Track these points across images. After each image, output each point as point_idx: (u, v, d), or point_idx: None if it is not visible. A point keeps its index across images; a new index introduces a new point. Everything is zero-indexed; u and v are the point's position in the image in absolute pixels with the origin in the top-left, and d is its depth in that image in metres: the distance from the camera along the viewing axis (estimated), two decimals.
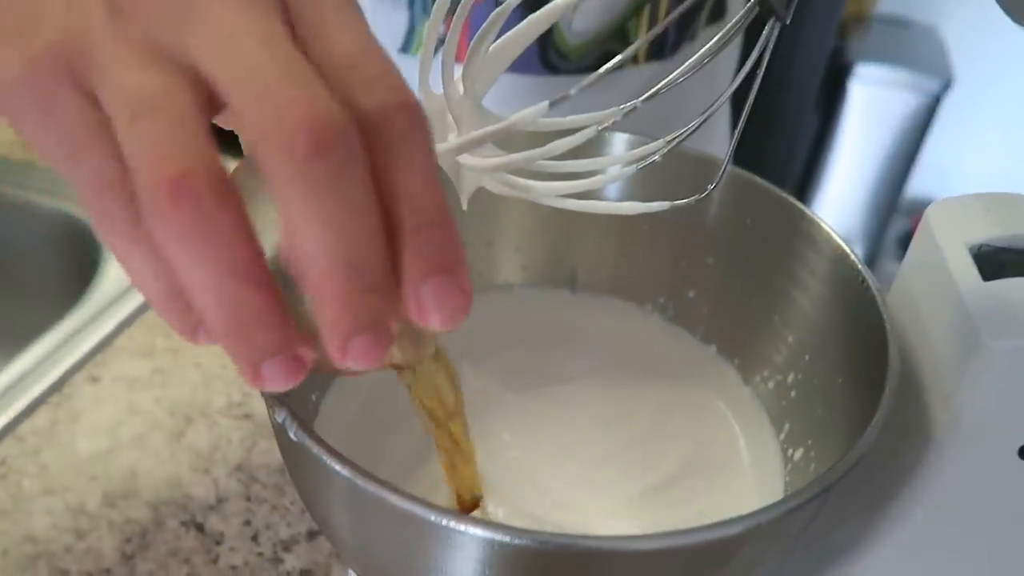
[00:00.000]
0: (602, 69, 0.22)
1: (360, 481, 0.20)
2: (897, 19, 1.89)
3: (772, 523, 0.21)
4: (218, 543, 0.40)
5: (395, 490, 0.20)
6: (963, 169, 1.92)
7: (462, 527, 0.19)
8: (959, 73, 1.73)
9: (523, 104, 0.23)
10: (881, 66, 1.73)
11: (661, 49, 0.50)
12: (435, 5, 0.24)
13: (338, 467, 0.20)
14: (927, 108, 1.75)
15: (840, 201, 1.87)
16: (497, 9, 0.23)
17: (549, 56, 0.49)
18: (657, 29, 0.24)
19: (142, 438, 0.45)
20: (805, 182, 1.87)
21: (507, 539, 0.19)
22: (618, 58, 0.22)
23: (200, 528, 0.41)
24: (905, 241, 1.93)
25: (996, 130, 1.83)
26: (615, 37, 0.48)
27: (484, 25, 0.25)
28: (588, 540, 0.20)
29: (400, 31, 0.52)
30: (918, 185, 1.91)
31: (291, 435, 0.21)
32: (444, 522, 0.19)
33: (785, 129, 1.74)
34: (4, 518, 0.40)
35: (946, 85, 1.71)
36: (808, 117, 1.77)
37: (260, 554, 0.40)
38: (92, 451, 0.44)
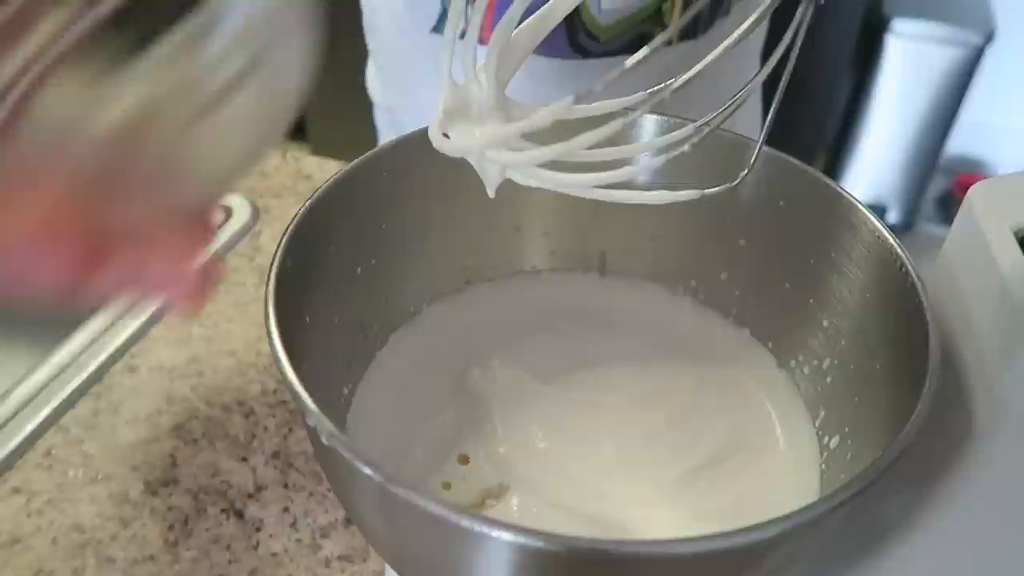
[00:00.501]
0: (629, 62, 0.22)
1: (390, 486, 0.20)
2: None
3: (809, 523, 0.20)
4: (258, 529, 0.41)
5: (425, 495, 0.20)
6: (1006, 127, 1.85)
7: (491, 531, 0.19)
8: (1002, 25, 1.66)
9: (553, 88, 0.22)
10: (919, 20, 1.67)
11: (695, 28, 0.48)
12: None
13: (368, 471, 0.20)
14: (968, 62, 1.69)
15: (877, 161, 1.82)
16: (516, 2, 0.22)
17: (579, 38, 0.47)
18: (689, 14, 0.23)
19: (180, 427, 0.46)
20: (840, 142, 1.83)
21: (537, 543, 0.19)
22: (645, 49, 0.22)
23: (240, 515, 0.42)
24: (944, 202, 1.88)
25: None
26: (649, 18, 0.46)
27: (508, 10, 0.24)
28: (621, 545, 0.19)
29: (433, 11, 0.51)
30: (958, 144, 1.85)
31: (323, 440, 0.22)
32: (473, 526, 0.19)
33: (819, 88, 1.69)
34: (52, 507, 0.42)
35: (988, 38, 1.65)
36: (843, 75, 1.72)
37: (299, 540, 0.41)
38: (133, 440, 0.45)
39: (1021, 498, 0.25)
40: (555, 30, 0.29)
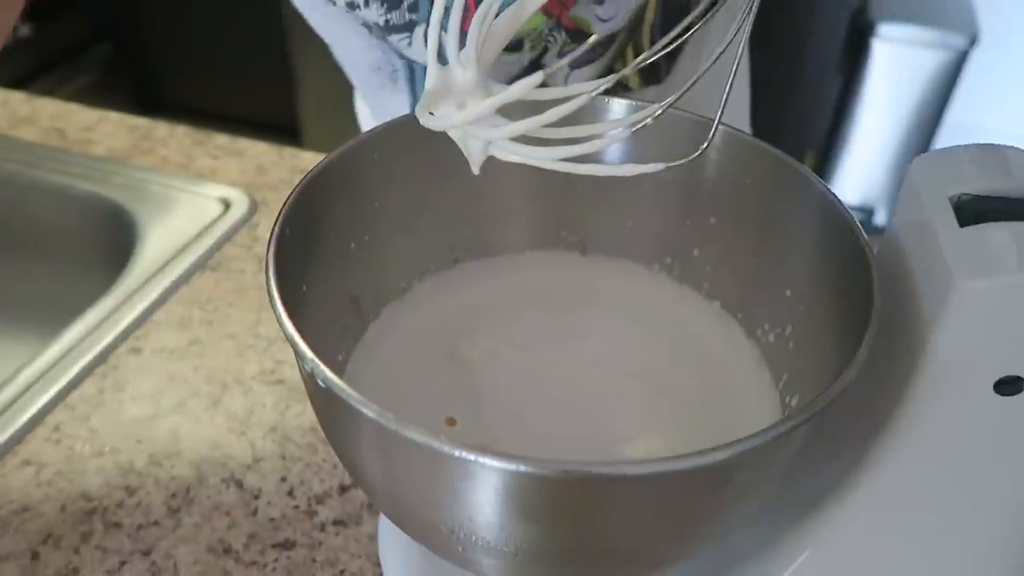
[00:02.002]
0: (591, 39, 0.24)
1: (384, 420, 0.22)
2: None
3: (762, 448, 0.23)
4: (256, 497, 0.43)
5: (418, 427, 0.22)
6: (990, 128, 1.89)
7: (478, 458, 0.22)
8: (985, 29, 1.70)
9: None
10: (905, 24, 1.70)
11: (656, 74, 0.50)
12: None
13: (363, 408, 0.23)
14: (952, 66, 1.72)
15: (865, 161, 1.85)
16: None
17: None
18: (636, 63, 0.25)
19: (182, 404, 0.48)
20: (828, 144, 1.86)
21: (516, 467, 0.21)
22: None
23: (240, 484, 0.44)
24: None
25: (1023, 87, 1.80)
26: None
27: (483, 4, 0.27)
28: (591, 465, 0.22)
29: (403, 110, 0.53)
30: (944, 145, 1.87)
31: (319, 382, 0.24)
32: (461, 454, 0.22)
33: (807, 89, 1.72)
34: (61, 478, 0.44)
35: (972, 41, 1.68)
36: (831, 77, 1.75)
37: (296, 507, 0.43)
38: (137, 416, 0.47)
39: (957, 432, 0.27)
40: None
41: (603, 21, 0.46)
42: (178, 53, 1.98)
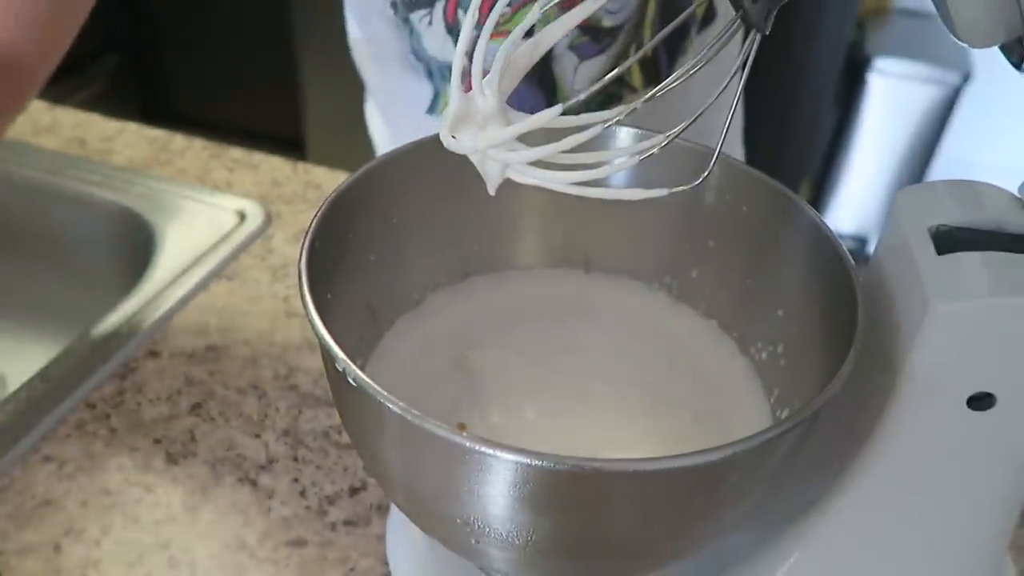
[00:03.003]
0: (611, 75, 0.27)
1: (409, 416, 0.24)
2: (915, 12, 1.90)
3: (753, 450, 0.25)
4: (270, 497, 0.45)
5: (440, 424, 0.24)
6: (983, 163, 1.92)
7: (495, 452, 0.24)
8: (978, 66, 1.74)
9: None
10: (900, 59, 1.74)
11: (658, 75, 0.54)
12: (465, 21, 0.29)
13: (390, 404, 0.25)
14: (946, 101, 1.77)
15: (860, 193, 1.89)
16: (517, 28, 0.27)
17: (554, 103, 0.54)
18: (655, 91, 0.28)
19: (199, 406, 0.50)
20: (825, 175, 1.89)
21: (529, 461, 0.24)
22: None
23: (254, 484, 0.46)
24: None
25: (1016, 123, 1.84)
26: (614, 83, 0.54)
27: (511, 35, 0.29)
28: (598, 462, 0.24)
29: (426, 97, 0.57)
30: (937, 178, 1.92)
31: (350, 380, 0.26)
32: (479, 447, 0.24)
33: (804, 122, 1.76)
34: (81, 474, 0.46)
35: (965, 78, 1.72)
36: (828, 110, 1.79)
37: (308, 507, 0.45)
38: (155, 417, 0.49)
39: (933, 445, 0.29)
40: (536, 97, 0.32)
41: (611, 13, 0.49)
42: (186, 64, 2.01)
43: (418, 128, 0.60)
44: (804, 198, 0.35)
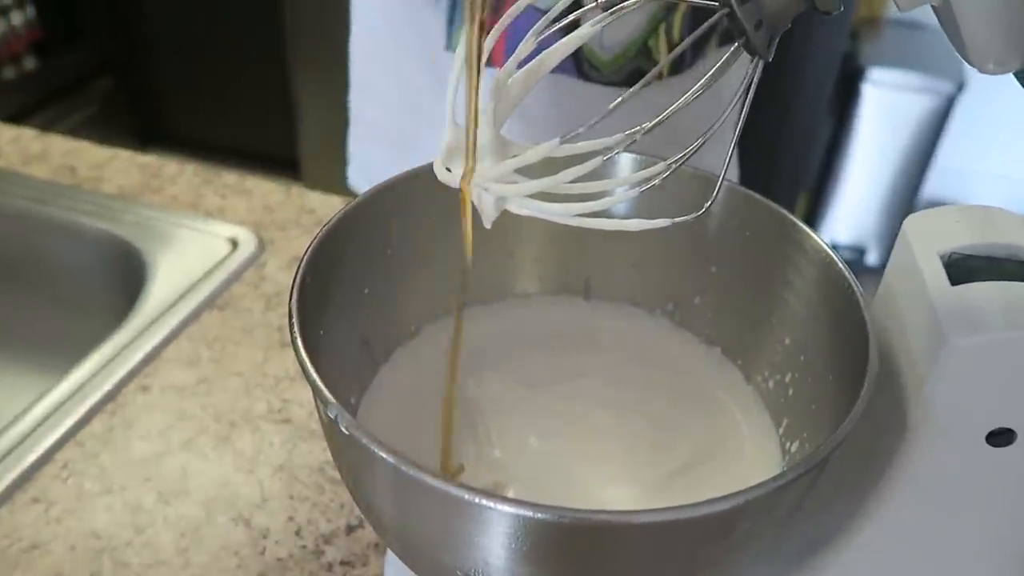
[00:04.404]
0: (611, 105, 0.26)
1: (404, 466, 0.23)
2: (908, 22, 1.90)
3: (764, 498, 0.24)
4: (264, 537, 0.44)
5: (436, 474, 0.23)
6: (978, 171, 1.93)
7: (494, 504, 0.23)
8: (971, 75, 1.74)
9: (563, 104, 0.25)
10: (894, 69, 1.75)
11: (679, 64, 0.54)
12: (456, 53, 0.28)
13: (384, 455, 0.24)
14: (941, 111, 1.77)
15: (856, 204, 1.89)
16: (511, 58, 0.27)
17: (584, 68, 0.54)
18: (676, 51, 0.27)
19: (191, 442, 0.49)
20: (821, 186, 1.89)
21: (529, 513, 0.22)
22: (628, 93, 0.25)
23: (247, 523, 0.44)
24: None
25: (1009, 131, 1.84)
26: (640, 54, 0.53)
27: (505, 65, 0.28)
28: (598, 514, 0.23)
29: (439, 34, 0.56)
30: (933, 187, 1.92)
31: (343, 428, 0.25)
32: (478, 500, 0.23)
33: (799, 134, 1.76)
34: (70, 516, 0.44)
35: (959, 87, 1.73)
36: (823, 121, 1.79)
37: (303, 547, 0.43)
38: (146, 454, 0.48)
39: (950, 482, 0.28)
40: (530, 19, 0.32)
41: None
42: (180, 87, 2.01)
43: (432, 72, 0.60)
44: (801, 209, 0.35)
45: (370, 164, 0.72)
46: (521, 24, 0.29)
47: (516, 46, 0.28)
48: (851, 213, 1.89)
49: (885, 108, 1.80)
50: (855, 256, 1.90)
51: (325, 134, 1.80)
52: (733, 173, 0.76)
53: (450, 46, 0.57)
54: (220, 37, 1.88)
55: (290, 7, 1.69)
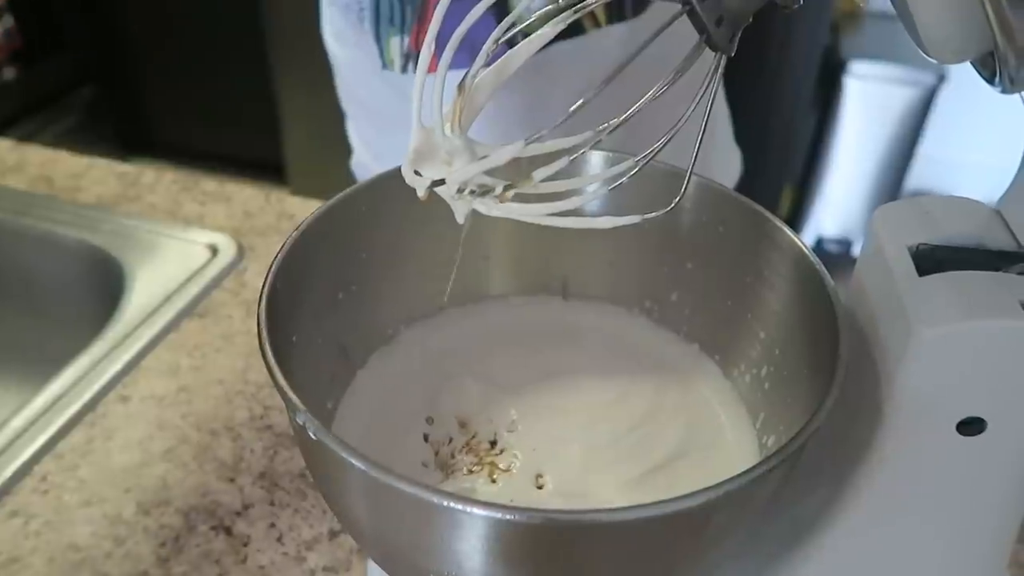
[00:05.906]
0: (572, 108, 0.26)
1: (374, 472, 0.23)
2: (889, 14, 1.90)
3: (740, 491, 0.24)
4: (246, 545, 0.43)
5: (406, 478, 0.23)
6: (961, 161, 1.94)
7: (465, 508, 0.23)
8: (952, 66, 1.75)
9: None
10: (875, 62, 1.76)
11: (621, 11, 0.52)
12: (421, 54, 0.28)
13: (354, 460, 0.24)
14: (923, 102, 1.78)
15: (842, 196, 1.89)
16: (476, 63, 0.26)
17: (517, 40, 0.53)
18: None
19: (171, 451, 0.48)
20: (806, 180, 1.90)
21: (501, 516, 0.22)
22: (592, 93, 0.25)
23: (229, 532, 0.44)
24: None
25: (991, 121, 1.85)
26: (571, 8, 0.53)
27: (473, 66, 0.28)
28: (572, 514, 0.23)
29: (374, 51, 0.56)
30: (917, 178, 1.93)
31: (311, 434, 0.25)
32: (449, 504, 0.23)
33: (783, 128, 1.77)
34: (49, 529, 0.44)
35: (940, 79, 1.74)
36: (806, 114, 1.80)
37: (285, 554, 0.43)
38: (126, 465, 0.48)
39: (922, 470, 0.28)
40: (488, 23, 0.31)
41: None
42: (164, 94, 2.00)
43: (390, 83, 0.60)
44: (787, 204, 0.35)
45: (368, 154, 0.72)
46: (477, 31, 0.29)
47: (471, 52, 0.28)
48: (837, 206, 1.90)
49: (868, 101, 1.81)
50: (842, 248, 1.90)
51: (310, 139, 1.80)
52: (736, 165, 0.76)
53: (385, 64, 0.57)
54: (203, 43, 1.88)
55: (272, 12, 1.69)
